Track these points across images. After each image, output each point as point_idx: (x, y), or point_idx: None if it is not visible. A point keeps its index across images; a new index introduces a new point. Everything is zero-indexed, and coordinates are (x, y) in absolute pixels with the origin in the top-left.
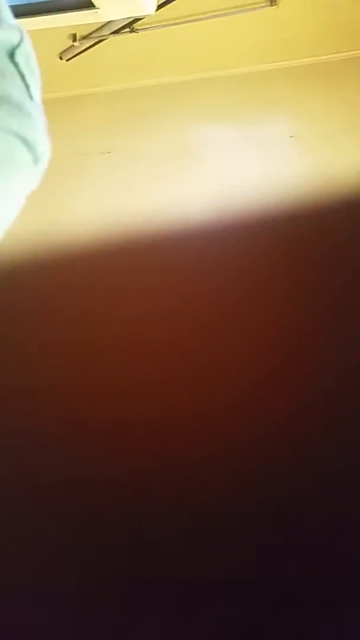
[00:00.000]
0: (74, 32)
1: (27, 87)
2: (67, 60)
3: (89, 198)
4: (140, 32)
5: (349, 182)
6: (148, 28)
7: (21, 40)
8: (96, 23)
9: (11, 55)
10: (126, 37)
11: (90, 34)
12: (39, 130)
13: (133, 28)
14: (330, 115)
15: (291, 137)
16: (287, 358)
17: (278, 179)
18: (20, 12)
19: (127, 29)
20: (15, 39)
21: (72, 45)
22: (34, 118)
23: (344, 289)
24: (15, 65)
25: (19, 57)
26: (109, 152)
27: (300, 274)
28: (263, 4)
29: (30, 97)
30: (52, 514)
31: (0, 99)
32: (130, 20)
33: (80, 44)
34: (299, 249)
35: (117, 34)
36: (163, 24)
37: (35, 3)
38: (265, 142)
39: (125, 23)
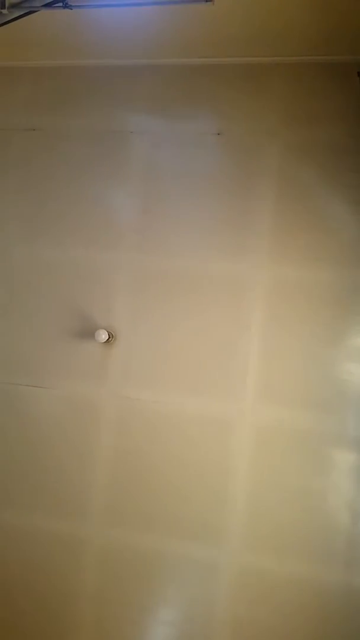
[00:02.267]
0: None
1: None
2: None
3: (13, 174)
4: (75, 10)
5: (269, 181)
6: (83, 6)
7: None
8: None
9: None
10: (59, 12)
11: (20, 2)
12: None
13: (66, 3)
14: (255, 116)
15: (218, 134)
16: None
17: (202, 174)
18: None
19: (60, 4)
20: None
21: (1, 13)
22: None
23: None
24: None
25: None
26: (33, 130)
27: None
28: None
29: None
30: None
31: None
32: None
33: (9, 12)
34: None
35: (50, 8)
36: (98, 3)
37: None
38: (192, 136)
39: None
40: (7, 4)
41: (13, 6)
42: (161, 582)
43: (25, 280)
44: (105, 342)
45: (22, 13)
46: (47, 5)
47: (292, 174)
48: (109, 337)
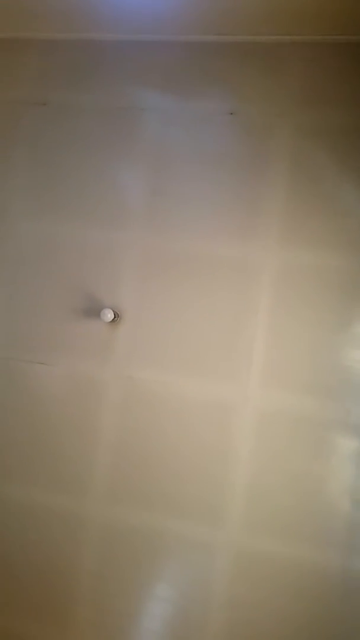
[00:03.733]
0: None
1: None
2: None
3: (22, 149)
4: None
5: (281, 163)
6: None
7: None
8: None
9: None
10: None
11: None
12: None
13: None
14: (269, 97)
15: (231, 114)
16: None
17: (213, 155)
18: None
19: None
20: None
21: None
22: None
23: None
24: None
25: None
26: (44, 104)
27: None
28: None
29: None
30: None
31: None
32: None
33: None
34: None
35: None
36: None
37: None
38: (204, 116)
39: None
40: None
41: None
42: (159, 561)
43: (31, 257)
44: (110, 321)
45: None
46: None
47: (304, 157)
48: (115, 317)
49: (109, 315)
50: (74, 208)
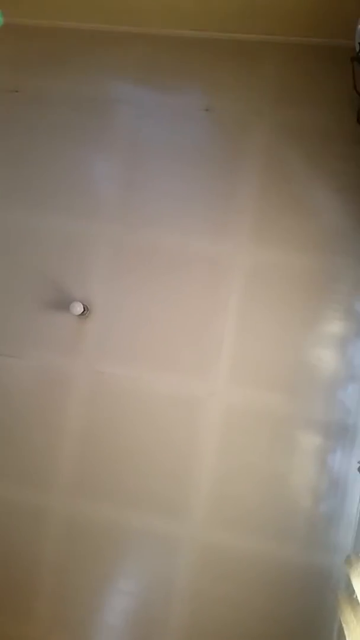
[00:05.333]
0: None
1: None
2: None
3: None
4: None
5: (255, 162)
6: None
7: None
8: None
9: None
10: None
11: None
12: None
13: None
14: (245, 95)
15: (206, 110)
16: None
17: (187, 150)
18: None
19: None
20: None
21: None
22: None
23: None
24: None
25: None
26: (16, 91)
27: None
28: None
29: None
30: None
31: None
32: None
33: None
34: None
35: None
36: None
37: None
38: (179, 111)
39: None
40: None
41: None
42: (123, 555)
43: (0, 248)
44: (80, 315)
45: None
46: None
47: (278, 156)
48: (84, 310)
49: (78, 308)
50: (44, 198)
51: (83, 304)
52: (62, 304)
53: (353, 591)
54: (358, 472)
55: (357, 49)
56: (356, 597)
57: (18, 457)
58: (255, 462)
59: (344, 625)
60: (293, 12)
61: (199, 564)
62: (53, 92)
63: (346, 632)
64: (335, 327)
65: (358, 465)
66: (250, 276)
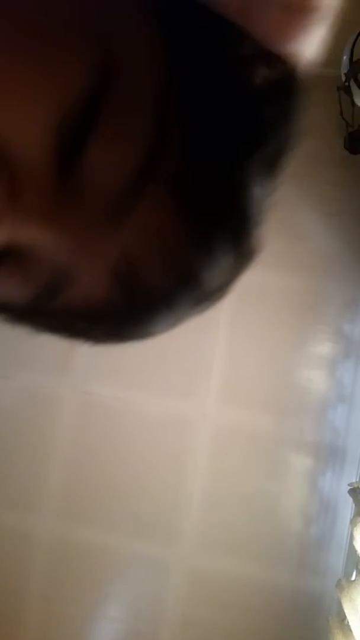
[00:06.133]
0: None
1: None
2: None
3: None
4: None
5: None
6: None
7: None
8: None
9: None
10: None
11: None
12: None
13: None
14: None
15: None
16: None
17: None
18: None
19: None
20: None
21: None
22: None
23: None
24: None
25: None
26: None
27: None
28: None
29: None
30: None
31: None
32: None
33: None
34: None
35: None
36: None
37: None
38: None
39: None
40: None
41: None
42: (111, 580)
43: None
44: None
45: None
46: None
47: None
48: None
49: None
50: None
51: None
52: None
53: (344, 616)
54: (348, 495)
55: (343, 79)
56: (347, 622)
57: (2, 480)
58: (246, 484)
59: None
60: None
61: (188, 588)
62: None
63: None
64: (324, 348)
65: (348, 487)
66: (239, 297)
